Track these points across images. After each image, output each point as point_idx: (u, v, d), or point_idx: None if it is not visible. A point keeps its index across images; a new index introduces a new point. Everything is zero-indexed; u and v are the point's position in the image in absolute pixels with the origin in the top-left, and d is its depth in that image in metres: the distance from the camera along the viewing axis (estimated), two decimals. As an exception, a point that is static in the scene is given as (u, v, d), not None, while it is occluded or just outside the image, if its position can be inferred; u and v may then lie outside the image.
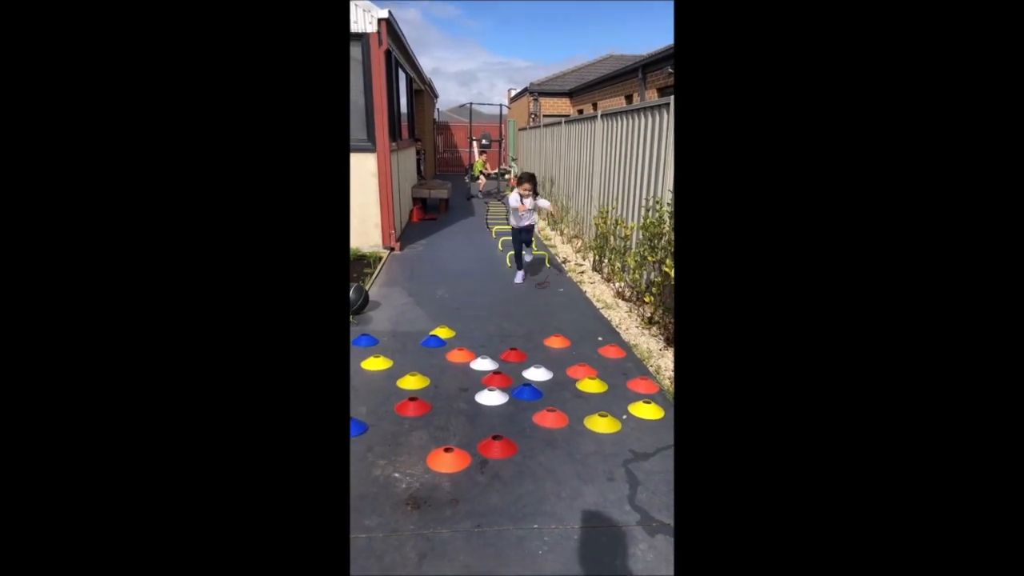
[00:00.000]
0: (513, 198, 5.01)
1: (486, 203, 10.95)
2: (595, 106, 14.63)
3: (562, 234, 7.58)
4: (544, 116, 15.84)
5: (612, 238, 5.07)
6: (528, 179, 5.03)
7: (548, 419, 2.62)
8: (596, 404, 2.81)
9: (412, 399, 2.75)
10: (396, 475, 2.21)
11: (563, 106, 17.30)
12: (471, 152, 15.09)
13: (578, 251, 6.53)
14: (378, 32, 5.68)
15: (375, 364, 3.19)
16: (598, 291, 4.94)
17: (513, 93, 20.50)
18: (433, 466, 2.25)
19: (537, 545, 1.85)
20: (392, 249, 6.31)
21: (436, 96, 16.96)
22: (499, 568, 1.74)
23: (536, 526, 1.94)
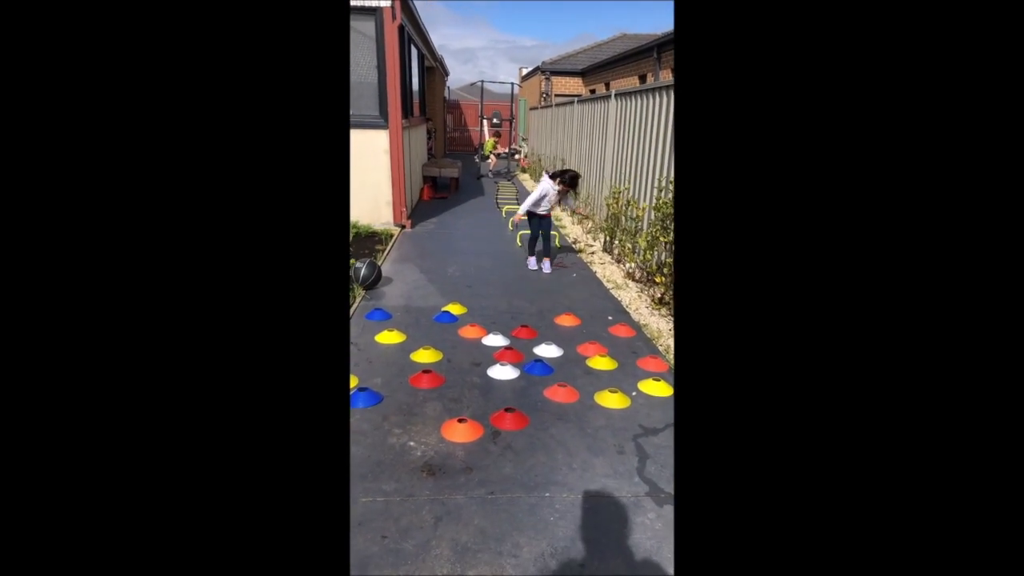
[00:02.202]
0: (547, 186, 4.64)
1: (496, 182, 10.93)
2: (607, 86, 14.44)
3: (572, 215, 7.57)
4: (556, 95, 15.67)
5: (624, 219, 5.07)
6: (571, 181, 4.65)
7: (559, 394, 2.67)
8: (606, 381, 2.85)
9: (426, 372, 2.80)
10: (411, 443, 2.27)
11: (575, 85, 17.08)
12: (481, 131, 14.97)
13: (588, 232, 6.53)
14: (391, 6, 5.63)
15: (389, 338, 3.25)
16: (608, 272, 4.96)
17: (524, 72, 20.25)
18: (447, 436, 2.31)
19: (549, 512, 1.91)
20: (403, 227, 6.34)
21: (447, 74, 16.80)
22: (512, 533, 1.80)
23: (548, 494, 2.00)
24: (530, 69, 19.24)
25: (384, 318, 3.61)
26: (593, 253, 5.61)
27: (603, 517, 1.89)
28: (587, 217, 6.51)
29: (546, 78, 16.92)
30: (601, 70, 15.31)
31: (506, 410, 2.47)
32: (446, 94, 17.55)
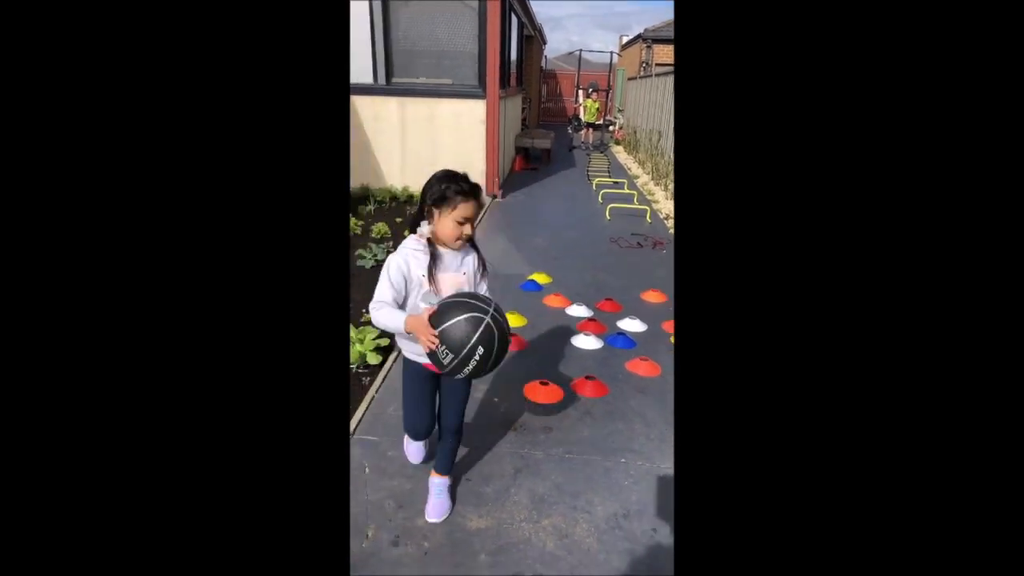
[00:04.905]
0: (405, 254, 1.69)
1: (588, 154, 10.77)
2: (714, 54, 13.57)
3: (666, 189, 7.35)
4: (657, 65, 14.99)
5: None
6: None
7: (641, 367, 2.69)
8: (690, 359, 2.83)
9: (511, 334, 2.92)
10: (496, 399, 2.41)
11: (678, 54, 16.22)
12: (577, 102, 14.69)
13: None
14: (495, -25, 5.65)
15: (477, 301, 3.41)
16: (700, 250, 4.81)
17: (625, 40, 19.50)
18: (529, 396, 2.42)
19: (623, 476, 1.97)
20: (495, 197, 6.48)
21: (545, 42, 16.57)
22: (587, 491, 1.89)
23: (623, 460, 2.06)
24: (631, 37, 18.50)
25: (474, 283, 3.78)
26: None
27: (677, 488, 1.93)
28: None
29: (647, 46, 16.22)
30: (708, 37, 14.38)
31: (587, 377, 2.54)
32: (543, 63, 17.35)
